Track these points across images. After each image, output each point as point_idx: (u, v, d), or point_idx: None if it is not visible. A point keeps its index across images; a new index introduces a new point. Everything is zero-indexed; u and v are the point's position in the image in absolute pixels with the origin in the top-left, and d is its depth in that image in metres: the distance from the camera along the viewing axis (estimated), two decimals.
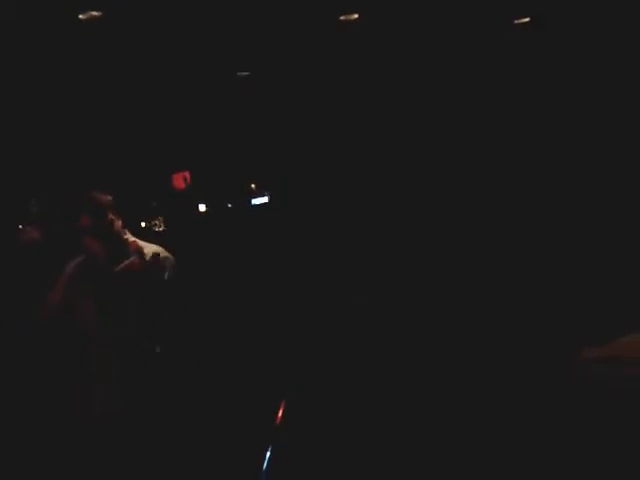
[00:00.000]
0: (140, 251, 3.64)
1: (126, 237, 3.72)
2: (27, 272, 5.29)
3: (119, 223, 3.69)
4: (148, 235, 7.30)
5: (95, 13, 6.09)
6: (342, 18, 7.44)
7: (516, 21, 6.95)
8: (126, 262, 3.63)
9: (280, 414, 4.06)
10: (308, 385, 4.50)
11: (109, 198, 3.69)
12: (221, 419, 4.41)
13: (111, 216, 3.64)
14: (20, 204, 6.61)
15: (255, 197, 10.45)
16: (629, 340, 2.11)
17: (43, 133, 7.65)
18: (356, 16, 7.47)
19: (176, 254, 3.98)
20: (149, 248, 3.72)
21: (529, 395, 2.84)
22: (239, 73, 8.71)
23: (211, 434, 4.14)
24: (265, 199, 10.41)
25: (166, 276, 3.67)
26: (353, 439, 3.85)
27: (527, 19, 6.90)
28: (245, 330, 5.88)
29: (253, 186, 10.37)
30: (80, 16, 6.11)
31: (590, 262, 2.23)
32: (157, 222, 8.79)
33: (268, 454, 3.79)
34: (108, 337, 3.56)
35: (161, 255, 3.72)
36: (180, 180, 8.51)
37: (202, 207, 9.75)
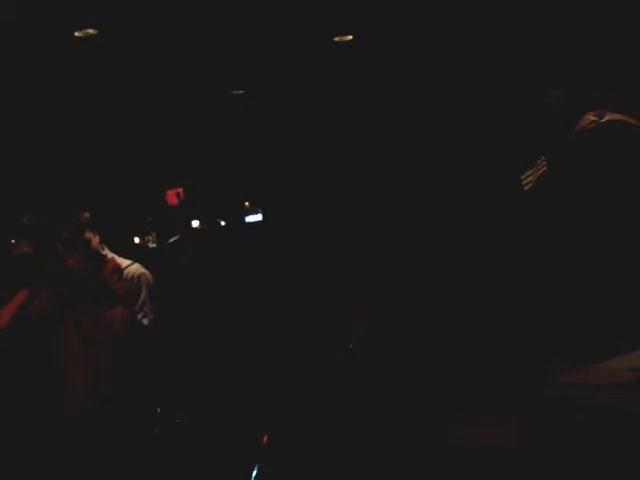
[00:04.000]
0: (118, 268, 3.69)
1: (104, 253, 3.76)
2: (19, 285, 5.31)
3: (96, 240, 3.73)
4: (141, 251, 7.33)
5: (91, 31, 6.16)
6: (336, 39, 7.50)
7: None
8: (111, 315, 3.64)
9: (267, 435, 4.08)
10: (299, 402, 4.52)
11: (86, 216, 3.74)
12: (208, 431, 4.42)
13: (88, 234, 3.69)
14: (13, 218, 6.64)
15: (248, 215, 10.49)
16: (607, 366, 2.11)
17: (37, 148, 7.69)
18: (350, 37, 7.54)
19: (168, 270, 4.03)
20: (127, 264, 3.77)
21: (505, 418, 2.86)
22: (234, 92, 8.77)
23: (198, 446, 4.16)
24: (259, 217, 10.44)
25: (142, 294, 3.73)
26: (344, 454, 3.87)
27: None
28: (236, 346, 5.90)
29: (247, 204, 10.41)
30: (76, 34, 6.18)
31: (573, 281, 2.25)
32: (150, 238, 8.82)
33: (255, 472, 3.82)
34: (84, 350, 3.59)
35: (137, 272, 3.77)
36: (173, 197, 8.54)
37: (195, 223, 9.78)
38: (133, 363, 3.62)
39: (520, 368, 2.48)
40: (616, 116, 2.22)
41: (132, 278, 3.73)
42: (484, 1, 5.99)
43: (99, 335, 3.57)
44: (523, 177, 2.31)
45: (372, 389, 4.45)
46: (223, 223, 9.99)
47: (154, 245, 8.50)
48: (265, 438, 3.98)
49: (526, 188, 2.29)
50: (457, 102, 6.92)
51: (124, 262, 3.77)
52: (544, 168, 2.24)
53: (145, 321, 3.71)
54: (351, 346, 5.04)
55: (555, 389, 2.19)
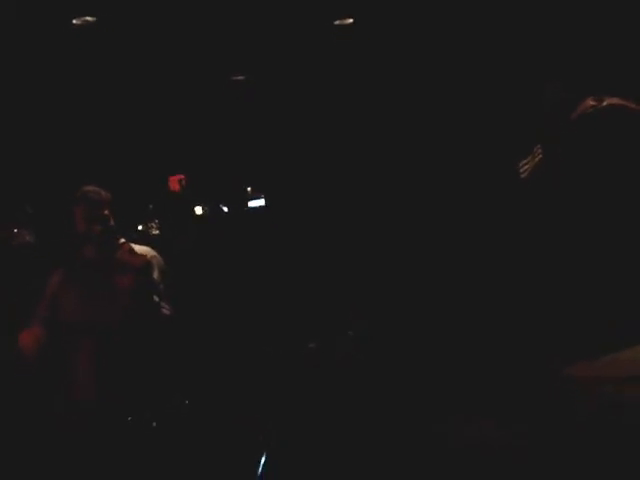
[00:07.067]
0: (132, 251, 3.69)
1: (117, 237, 3.77)
2: (20, 275, 5.32)
3: (112, 222, 3.72)
4: (144, 238, 7.32)
5: (89, 18, 6.14)
6: (337, 23, 7.48)
7: None
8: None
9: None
10: (299, 401, 4.52)
11: (108, 194, 3.73)
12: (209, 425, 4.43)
13: (107, 212, 3.67)
14: (14, 207, 6.63)
15: (251, 200, 10.45)
16: (615, 358, 2.10)
17: (37, 137, 7.69)
18: (351, 21, 7.51)
19: (172, 257, 4.03)
20: (138, 249, 3.77)
21: (512, 414, 2.85)
22: (234, 77, 8.75)
23: (198, 440, 4.17)
24: (262, 202, 10.40)
25: (155, 275, 3.73)
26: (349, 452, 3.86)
27: None
28: (240, 334, 5.90)
29: (249, 189, 10.38)
30: (74, 21, 6.16)
31: (577, 273, 2.22)
32: (153, 225, 8.81)
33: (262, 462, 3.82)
34: (94, 330, 3.59)
35: (149, 254, 3.78)
36: (175, 183, 8.53)
37: (198, 210, 9.76)
38: (145, 340, 3.62)
39: (524, 361, 2.46)
40: (615, 100, 2.22)
41: None
42: None
43: (112, 307, 3.58)
44: (520, 165, 2.30)
45: (373, 389, 4.45)
46: (225, 209, 9.97)
47: (156, 232, 8.49)
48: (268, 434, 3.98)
49: (522, 176, 2.28)
50: (455, 91, 6.91)
51: (135, 246, 3.78)
52: (540, 156, 2.23)
53: (157, 298, 3.70)
54: (351, 343, 5.03)
55: (560, 383, 2.18)
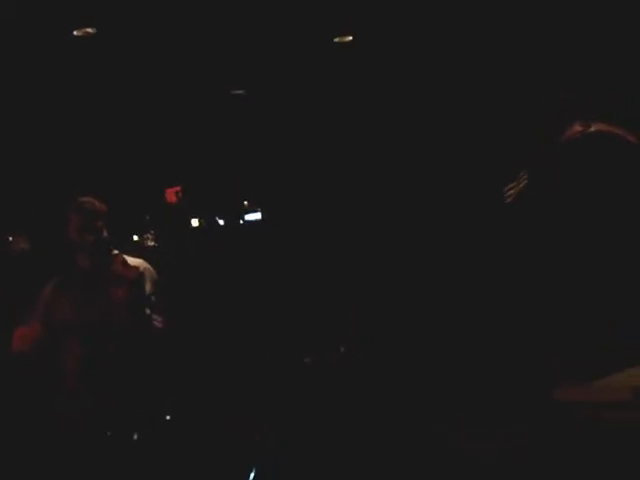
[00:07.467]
0: (125, 263, 3.72)
1: (111, 248, 3.79)
2: (17, 282, 5.34)
3: (106, 234, 3.75)
4: (140, 250, 7.34)
5: (90, 30, 6.17)
6: (336, 40, 7.51)
7: None
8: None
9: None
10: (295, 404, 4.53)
11: (103, 205, 3.76)
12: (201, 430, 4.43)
13: (100, 223, 3.70)
14: (10, 215, 6.65)
15: (248, 213, 10.47)
16: (606, 383, 2.10)
17: (36, 147, 7.71)
18: (350, 38, 7.54)
19: (167, 269, 4.05)
20: (131, 261, 3.80)
21: (512, 414, 2.86)
22: (233, 91, 8.78)
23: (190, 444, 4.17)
24: (258, 215, 10.42)
25: (147, 287, 3.75)
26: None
27: None
28: (236, 344, 5.91)
29: (246, 202, 10.40)
30: (74, 32, 6.19)
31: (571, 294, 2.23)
32: (149, 236, 8.83)
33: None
34: (86, 333, 3.60)
35: (142, 266, 3.80)
36: (172, 195, 8.56)
37: (195, 222, 9.77)
38: (137, 351, 3.64)
39: (519, 384, 2.48)
40: (602, 126, 2.22)
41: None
42: (484, 5, 6.00)
43: (106, 315, 3.59)
44: (505, 189, 2.32)
45: (371, 393, 4.47)
46: (222, 222, 9.98)
47: (152, 243, 8.51)
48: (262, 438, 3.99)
49: (507, 201, 2.30)
50: (446, 114, 6.95)
51: (129, 258, 3.81)
52: (525, 181, 2.25)
53: (148, 310, 3.72)
54: (342, 349, 5.05)
55: (554, 406, 2.19)
